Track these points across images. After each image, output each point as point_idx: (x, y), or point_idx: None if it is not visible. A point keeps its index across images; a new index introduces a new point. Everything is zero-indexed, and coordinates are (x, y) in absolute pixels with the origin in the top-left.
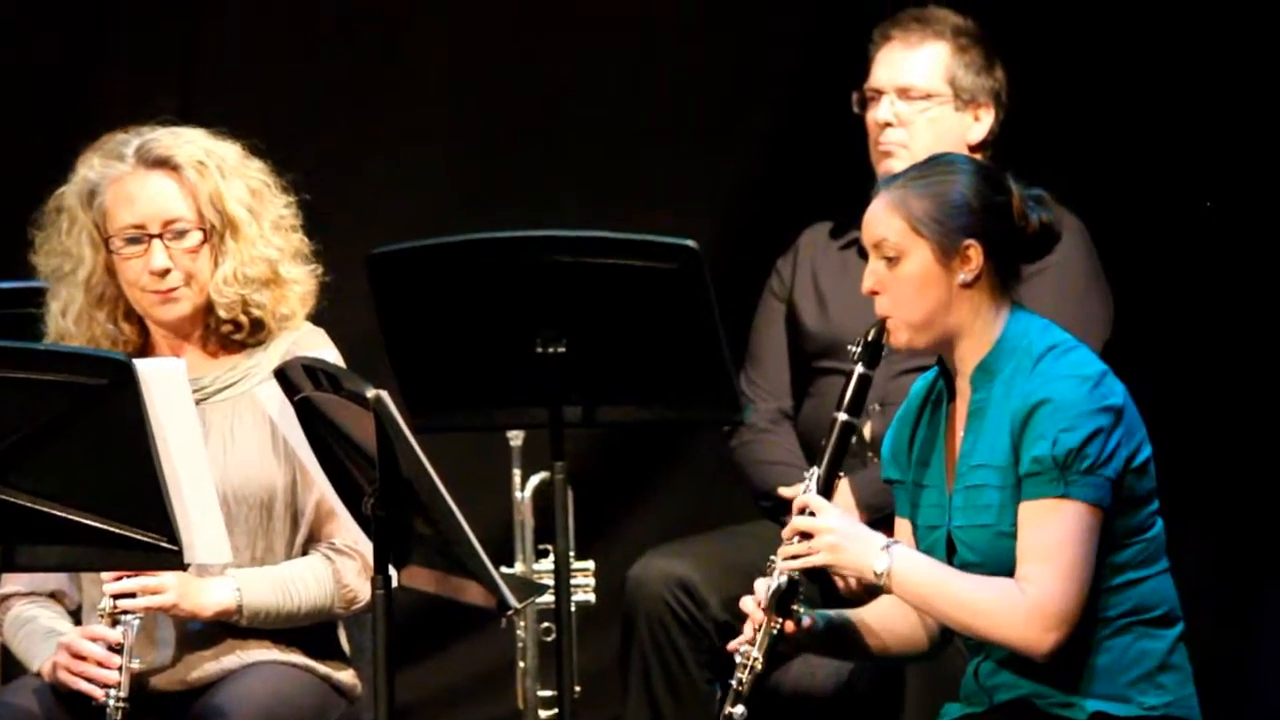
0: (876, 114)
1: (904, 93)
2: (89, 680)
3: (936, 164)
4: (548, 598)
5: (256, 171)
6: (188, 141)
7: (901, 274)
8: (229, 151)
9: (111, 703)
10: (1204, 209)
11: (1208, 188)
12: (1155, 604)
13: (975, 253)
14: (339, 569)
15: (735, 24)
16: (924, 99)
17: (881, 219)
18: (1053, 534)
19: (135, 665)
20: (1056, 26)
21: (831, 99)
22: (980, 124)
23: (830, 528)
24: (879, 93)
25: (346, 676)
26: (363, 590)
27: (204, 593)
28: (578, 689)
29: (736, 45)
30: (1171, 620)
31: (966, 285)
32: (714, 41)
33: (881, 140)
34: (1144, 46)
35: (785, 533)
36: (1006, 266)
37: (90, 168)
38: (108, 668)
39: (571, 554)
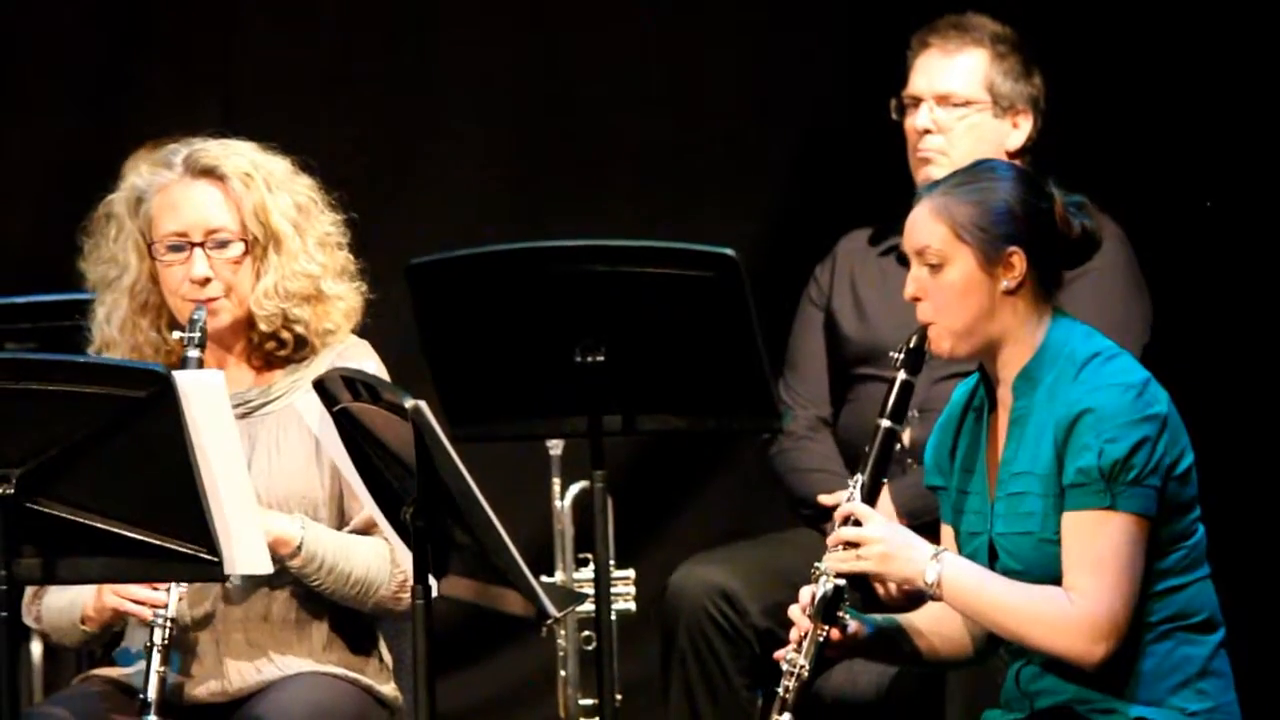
0: (915, 121)
1: (943, 99)
2: (137, 602)
3: (979, 170)
4: (588, 606)
5: (304, 187)
6: (236, 153)
7: (944, 281)
8: (278, 165)
9: (159, 623)
10: (1205, 208)
11: (1246, 191)
12: (1196, 610)
13: (1018, 260)
14: (395, 552)
15: (772, 31)
16: (963, 106)
17: (924, 225)
18: (1100, 545)
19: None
20: (1094, 33)
21: (870, 105)
22: (1019, 130)
23: (879, 537)
24: (917, 99)
25: (387, 687)
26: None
27: (269, 518)
28: (619, 698)
29: (774, 53)
30: (1213, 626)
31: (1009, 292)
32: (751, 49)
33: (920, 147)
34: (1180, 52)
35: (831, 541)
36: (1049, 273)
37: (138, 175)
38: (155, 593)
39: (612, 562)
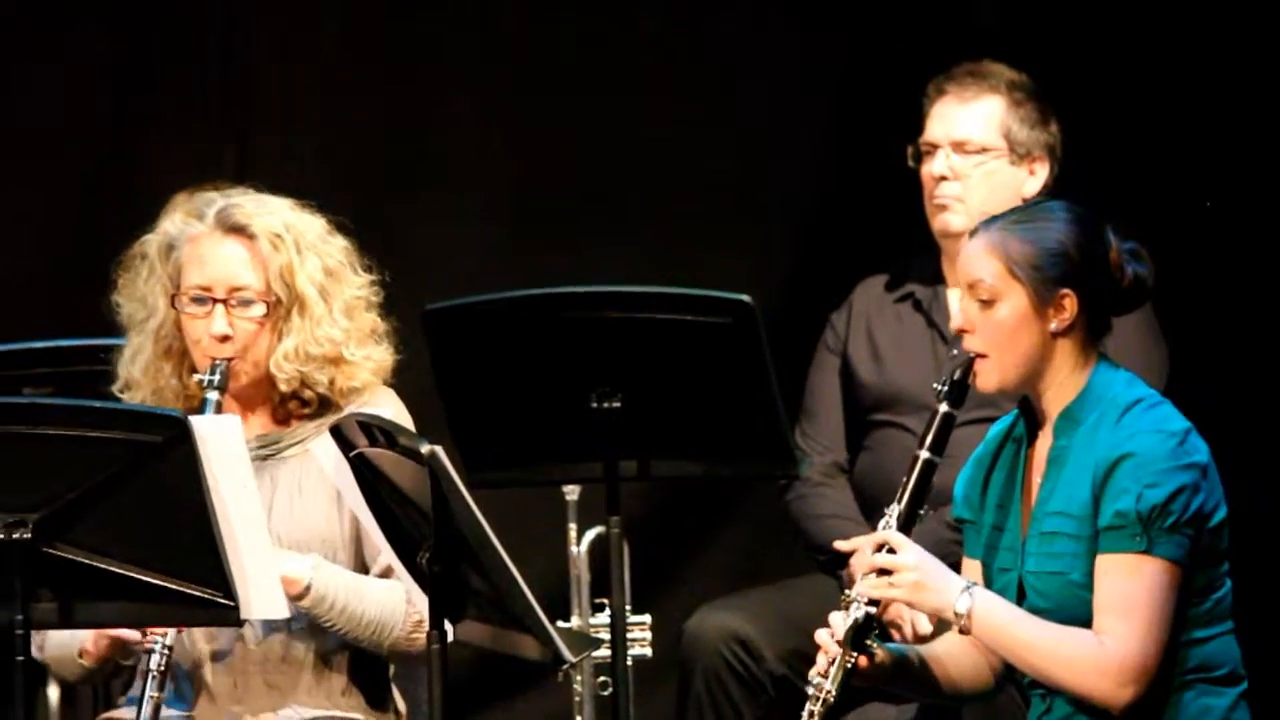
0: (932, 168)
1: (959, 146)
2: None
3: (1038, 209)
4: (604, 652)
5: (336, 250)
6: (269, 212)
7: (995, 317)
8: (311, 226)
9: (157, 649)
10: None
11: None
12: (1220, 663)
13: (1070, 302)
14: (411, 594)
15: (787, 75)
16: (979, 153)
17: (979, 259)
18: (1133, 590)
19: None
20: (1110, 80)
21: (886, 152)
22: (1035, 178)
23: (913, 565)
24: (934, 146)
25: None
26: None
27: (279, 558)
28: None
29: (788, 97)
30: (1235, 679)
31: (1058, 334)
32: (765, 93)
33: (937, 194)
34: (1200, 101)
35: (863, 567)
36: (1098, 318)
37: (172, 222)
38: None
39: (627, 608)
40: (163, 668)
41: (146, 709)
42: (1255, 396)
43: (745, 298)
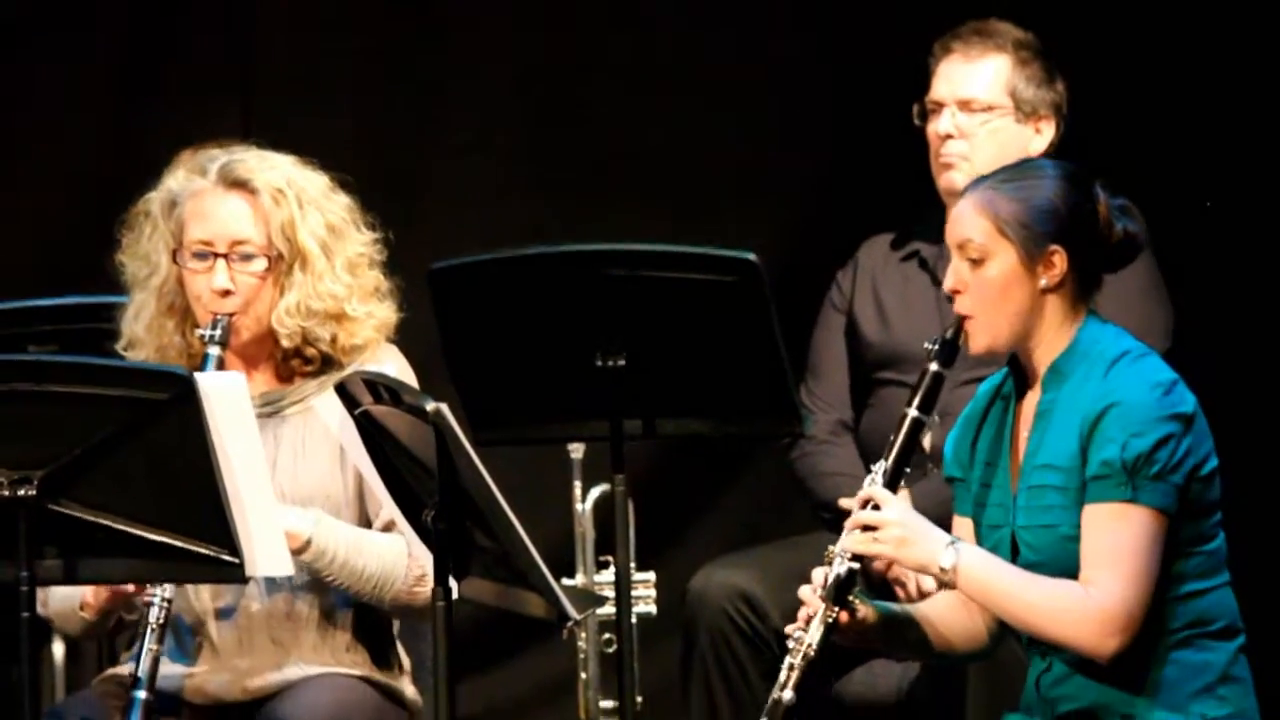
0: (937, 126)
1: (965, 105)
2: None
3: (1026, 167)
4: (609, 609)
5: (339, 207)
6: (271, 168)
7: (985, 276)
8: (314, 183)
9: (157, 601)
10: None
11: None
12: (1216, 616)
13: (1060, 259)
14: (413, 548)
15: (794, 36)
16: (985, 111)
17: (968, 219)
18: (1119, 539)
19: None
20: (1117, 39)
21: (892, 110)
22: (1041, 136)
23: (897, 521)
24: (940, 105)
25: (407, 689)
26: (429, 566)
27: (282, 513)
28: (639, 700)
29: (795, 58)
30: (1232, 633)
31: (1048, 290)
32: (772, 53)
33: (942, 152)
34: (1204, 59)
35: (849, 524)
36: (1088, 274)
37: (175, 179)
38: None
39: (632, 565)
40: (162, 621)
41: (145, 661)
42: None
43: (751, 256)
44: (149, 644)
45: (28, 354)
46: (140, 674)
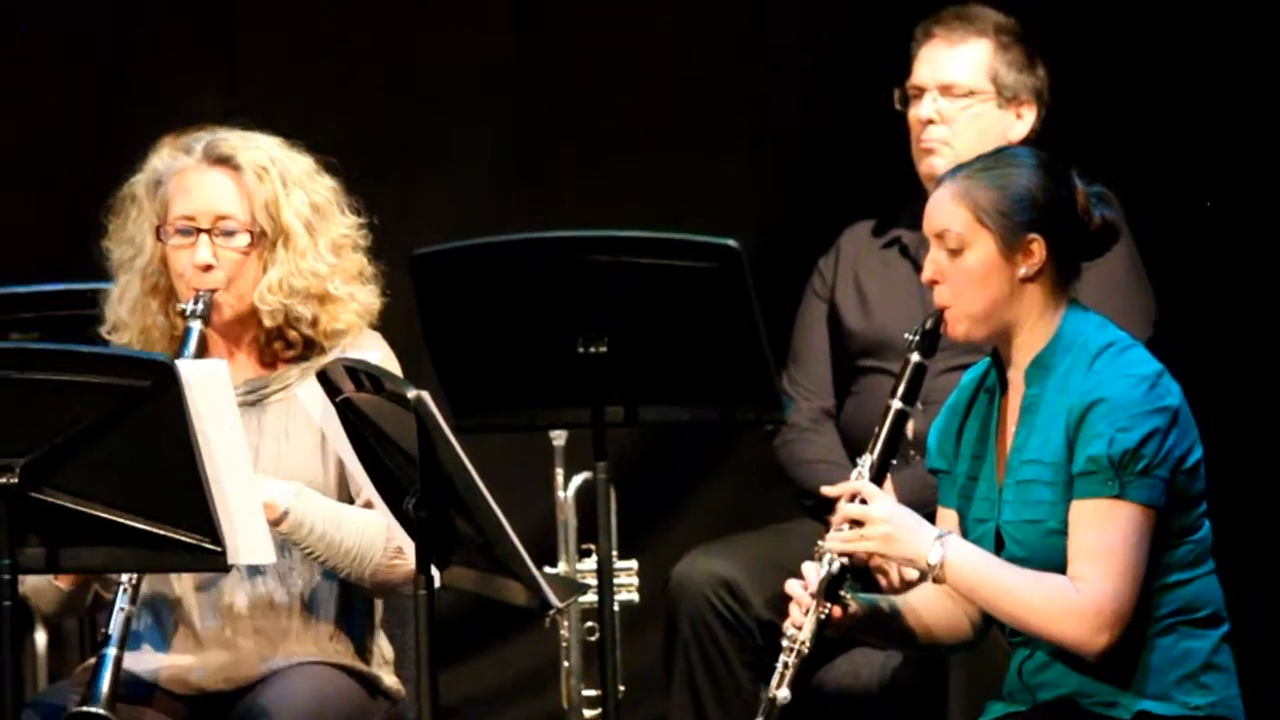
0: (919, 111)
1: (946, 90)
2: None
3: (1002, 156)
4: (591, 597)
5: (324, 188)
6: (255, 146)
7: (963, 265)
8: (299, 163)
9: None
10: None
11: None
12: (1201, 605)
13: (1038, 247)
14: (390, 525)
15: (773, 22)
16: (966, 96)
17: (945, 209)
18: (1107, 534)
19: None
20: (1098, 25)
21: (872, 96)
22: (1022, 122)
23: (884, 517)
24: (921, 90)
25: (390, 678)
26: (408, 549)
27: (261, 484)
28: (622, 688)
29: (774, 44)
30: (1217, 621)
31: (1027, 279)
32: (752, 40)
33: (924, 138)
34: (1185, 44)
35: (836, 519)
36: (1067, 262)
37: (160, 158)
38: None
39: (614, 553)
40: (135, 582)
41: (117, 620)
42: (1257, 392)
43: (732, 243)
44: (120, 604)
45: (10, 341)
46: (111, 632)
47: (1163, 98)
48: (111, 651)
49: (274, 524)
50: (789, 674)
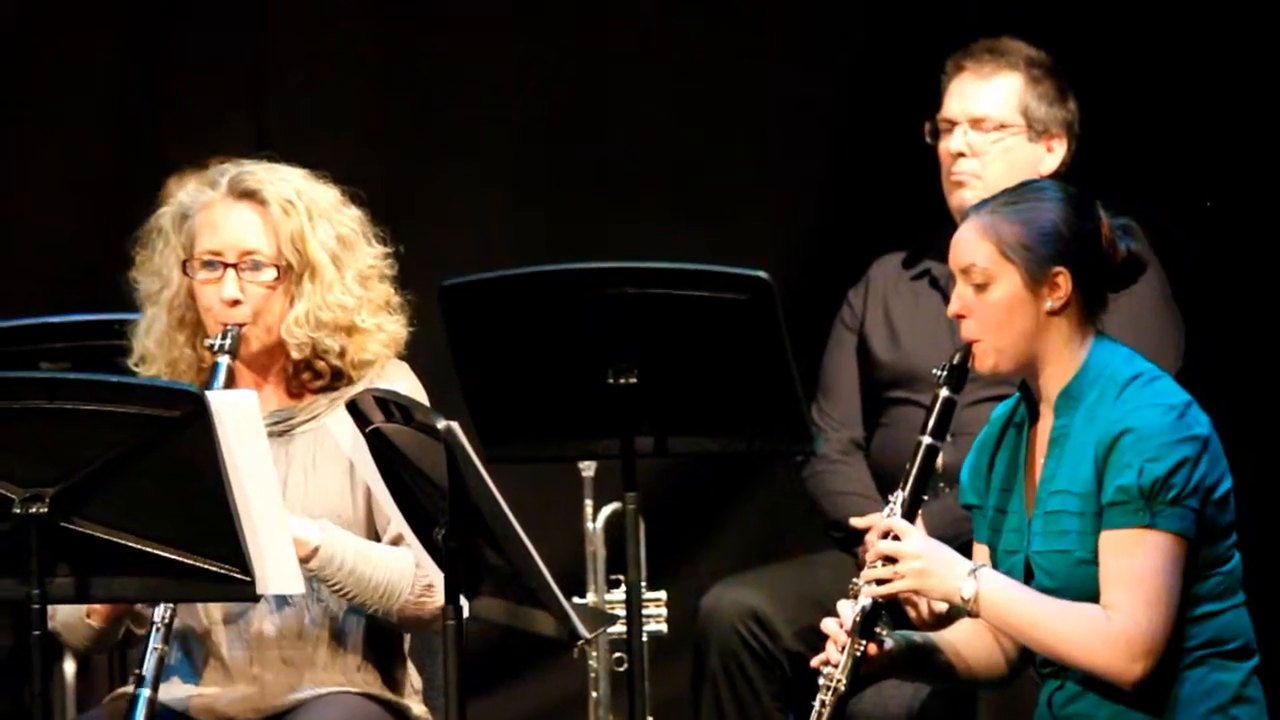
0: (949, 144)
1: (977, 123)
2: None
3: (1027, 190)
4: (620, 628)
5: (350, 219)
6: (281, 179)
7: (990, 299)
8: (325, 195)
9: (161, 610)
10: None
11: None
12: (1231, 636)
13: (1064, 280)
14: (420, 560)
15: (805, 55)
16: (997, 129)
17: (971, 244)
18: (1139, 564)
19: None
20: (1129, 58)
21: (903, 129)
22: (1053, 155)
23: (918, 553)
24: (952, 123)
25: (419, 708)
26: (438, 584)
27: (290, 521)
28: (650, 719)
29: (806, 75)
30: (1247, 653)
31: (1054, 313)
32: (783, 72)
33: (954, 170)
34: (1217, 78)
35: (869, 556)
36: (1093, 295)
37: (186, 192)
38: None
39: (643, 584)
40: (167, 620)
41: (150, 661)
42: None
43: (763, 274)
44: (154, 643)
45: (40, 371)
46: (145, 672)
47: (1188, 122)
48: (145, 693)
49: (304, 560)
50: (826, 712)
